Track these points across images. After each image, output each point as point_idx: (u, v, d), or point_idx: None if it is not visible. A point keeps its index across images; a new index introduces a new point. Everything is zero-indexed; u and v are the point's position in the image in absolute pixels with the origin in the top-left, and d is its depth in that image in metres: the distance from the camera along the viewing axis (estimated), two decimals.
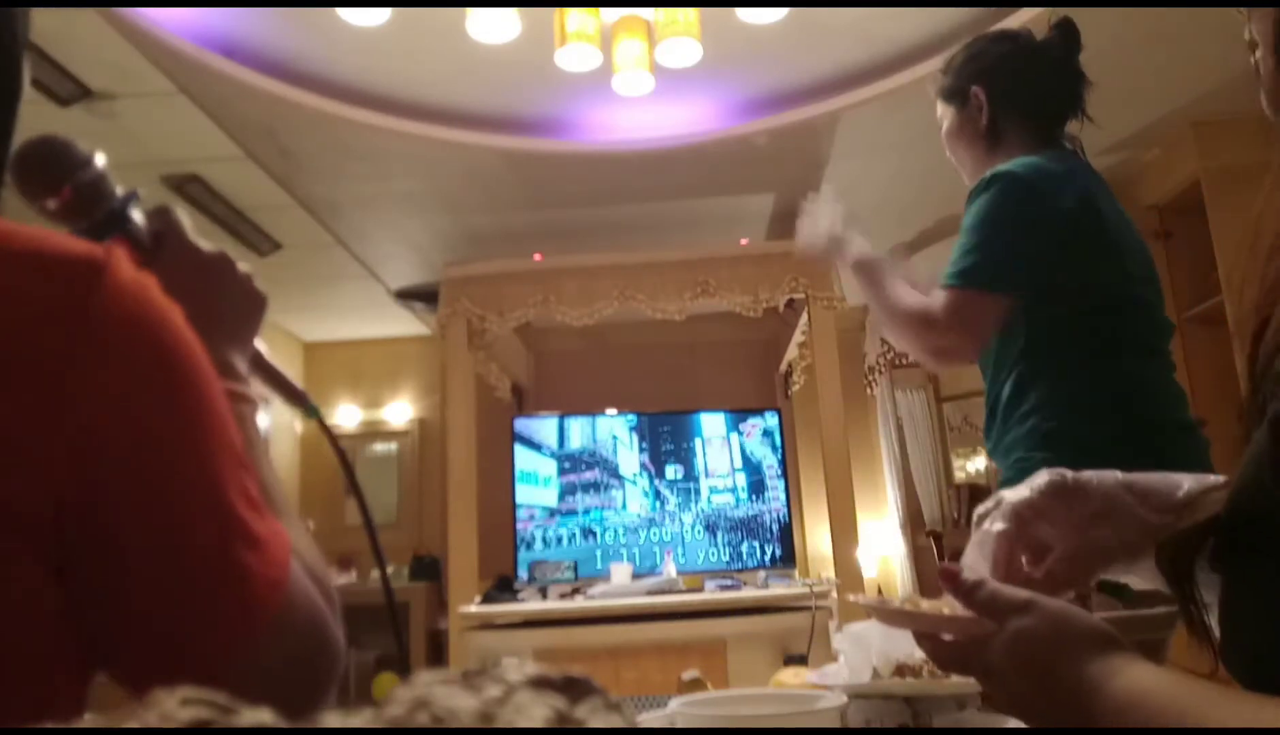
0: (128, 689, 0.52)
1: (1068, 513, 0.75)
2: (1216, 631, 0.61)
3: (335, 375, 6.13)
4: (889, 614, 0.73)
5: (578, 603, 3.35)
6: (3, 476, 0.44)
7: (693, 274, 4.01)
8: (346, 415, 6.10)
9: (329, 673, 0.57)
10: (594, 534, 3.94)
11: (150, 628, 0.49)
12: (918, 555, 5.85)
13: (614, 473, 4.04)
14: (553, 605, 3.37)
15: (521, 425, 4.10)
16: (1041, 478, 0.77)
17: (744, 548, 3.97)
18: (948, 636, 0.66)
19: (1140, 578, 0.76)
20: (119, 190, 0.63)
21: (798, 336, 4.60)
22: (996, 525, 0.77)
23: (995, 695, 0.61)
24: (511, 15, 2.55)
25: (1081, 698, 0.54)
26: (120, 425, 0.48)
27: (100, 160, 0.61)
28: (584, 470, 4.05)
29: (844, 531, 3.84)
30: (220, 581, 0.50)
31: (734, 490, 4.05)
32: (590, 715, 0.28)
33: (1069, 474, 0.77)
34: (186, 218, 0.57)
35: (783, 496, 4.06)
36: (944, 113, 1.67)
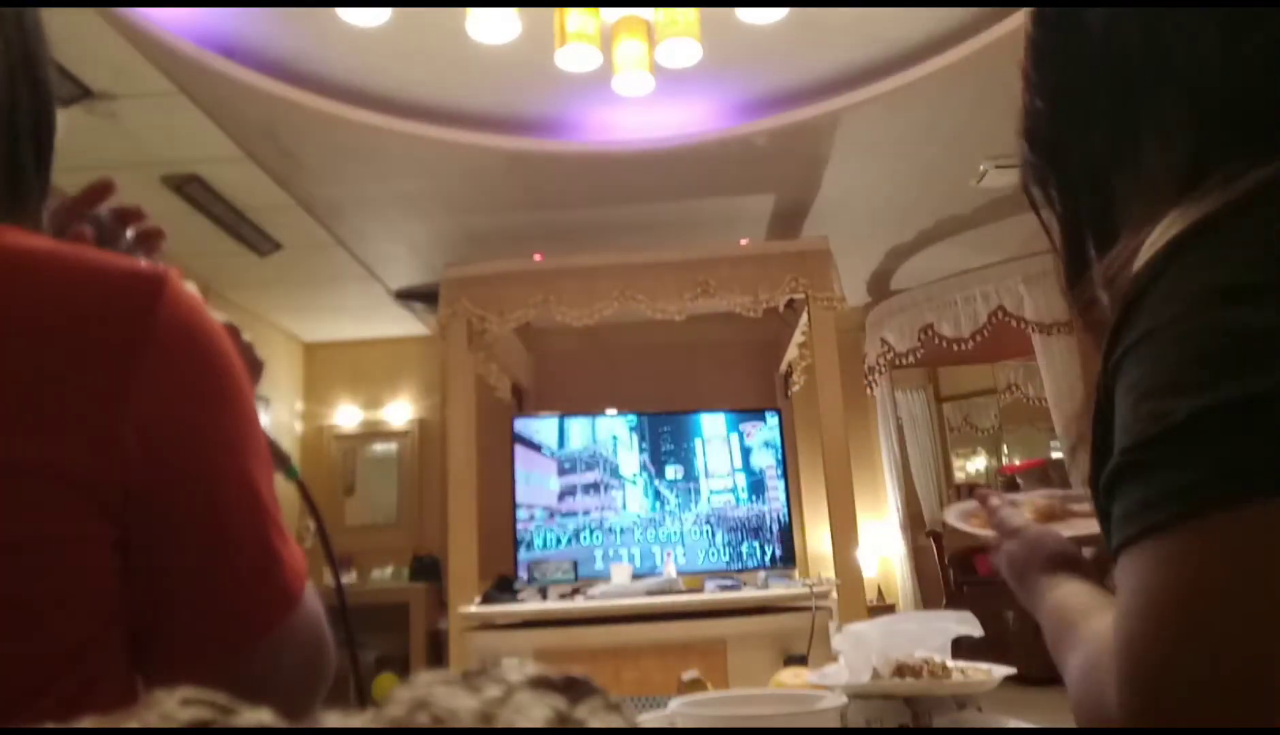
0: (161, 676, 0.55)
1: None
2: None
3: (335, 375, 6.13)
4: (956, 527, 0.92)
5: (578, 603, 3.35)
6: (83, 456, 0.50)
7: (693, 274, 4.00)
8: (346, 415, 6.09)
9: (330, 665, 0.62)
10: (594, 534, 3.94)
11: (194, 603, 0.55)
12: (918, 555, 5.85)
13: (614, 473, 4.04)
14: (553, 605, 3.36)
15: (521, 425, 4.10)
16: None
17: (744, 548, 3.97)
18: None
19: None
20: None
21: (798, 337, 4.60)
22: None
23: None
24: (511, 15, 2.55)
25: (1035, 606, 0.73)
26: (180, 417, 0.54)
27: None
28: (584, 470, 4.04)
29: (844, 531, 3.83)
30: (260, 564, 0.56)
31: (734, 490, 4.05)
32: (590, 715, 0.28)
33: None
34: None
35: (783, 497, 4.05)
36: None
